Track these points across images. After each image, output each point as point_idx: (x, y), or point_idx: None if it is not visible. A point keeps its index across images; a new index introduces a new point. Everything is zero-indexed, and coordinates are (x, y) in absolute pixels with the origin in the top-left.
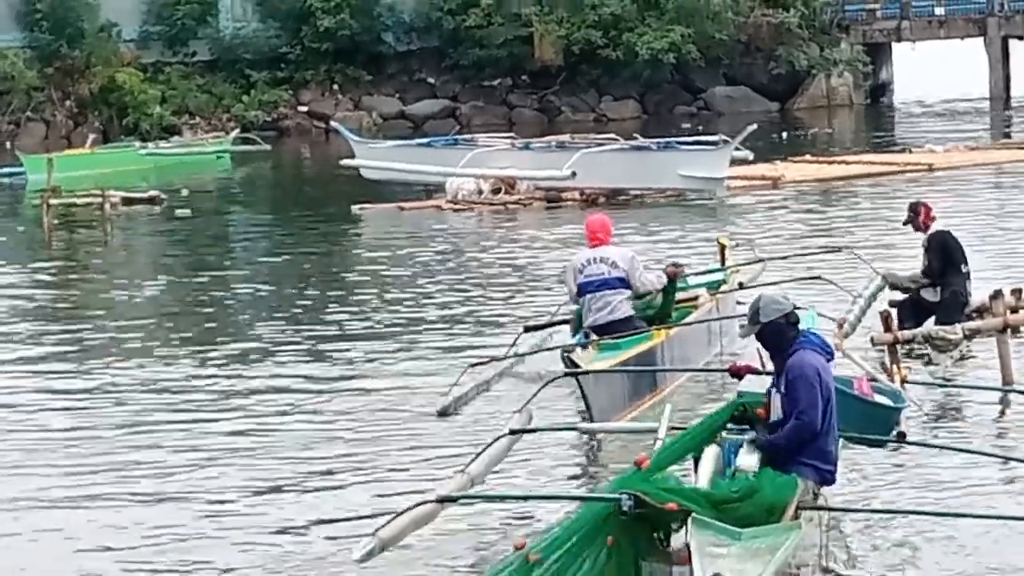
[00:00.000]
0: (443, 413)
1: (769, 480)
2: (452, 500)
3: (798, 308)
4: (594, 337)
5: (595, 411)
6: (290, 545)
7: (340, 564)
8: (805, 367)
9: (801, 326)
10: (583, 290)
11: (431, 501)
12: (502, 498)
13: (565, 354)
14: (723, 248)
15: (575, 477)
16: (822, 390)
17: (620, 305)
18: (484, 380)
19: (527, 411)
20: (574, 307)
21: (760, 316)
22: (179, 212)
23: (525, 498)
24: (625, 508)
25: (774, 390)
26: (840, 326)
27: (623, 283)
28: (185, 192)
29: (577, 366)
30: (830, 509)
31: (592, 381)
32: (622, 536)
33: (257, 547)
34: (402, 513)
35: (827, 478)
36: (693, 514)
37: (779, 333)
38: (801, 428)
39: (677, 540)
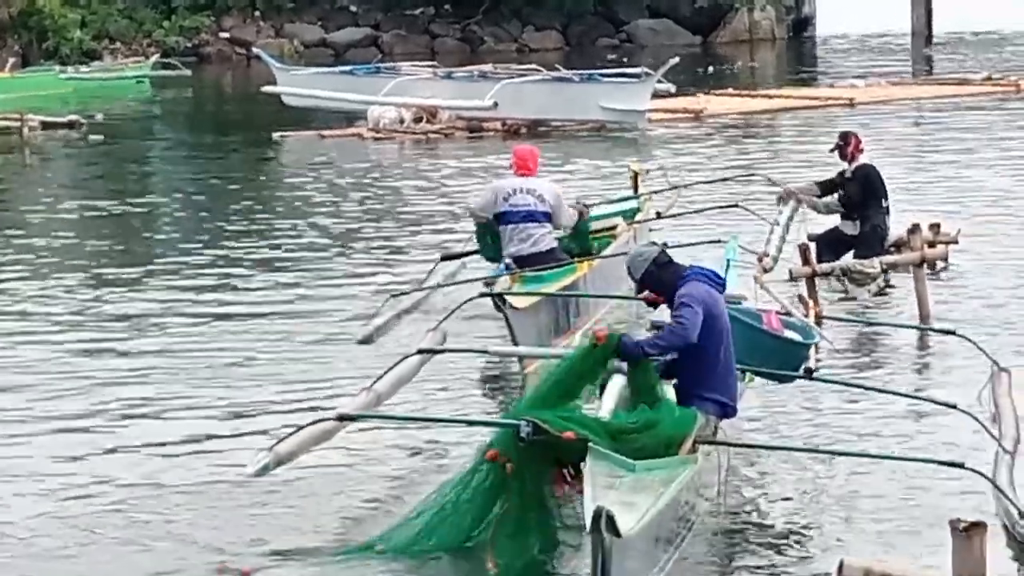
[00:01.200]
0: (364, 342)
1: (668, 413)
2: (351, 419)
3: (719, 241)
4: (515, 269)
5: (519, 338)
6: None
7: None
8: (689, 293)
9: (724, 256)
10: (505, 219)
11: (330, 419)
12: (402, 419)
13: (487, 286)
14: (636, 175)
15: (489, 400)
16: (708, 315)
17: (543, 238)
18: (403, 308)
19: (441, 331)
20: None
21: (633, 273)
22: (92, 137)
23: (425, 419)
24: (523, 435)
25: None
26: (760, 259)
27: (547, 218)
28: (100, 117)
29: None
30: (728, 444)
31: (517, 315)
32: (524, 464)
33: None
34: (301, 429)
35: (728, 412)
36: (590, 443)
37: (655, 279)
38: (673, 332)
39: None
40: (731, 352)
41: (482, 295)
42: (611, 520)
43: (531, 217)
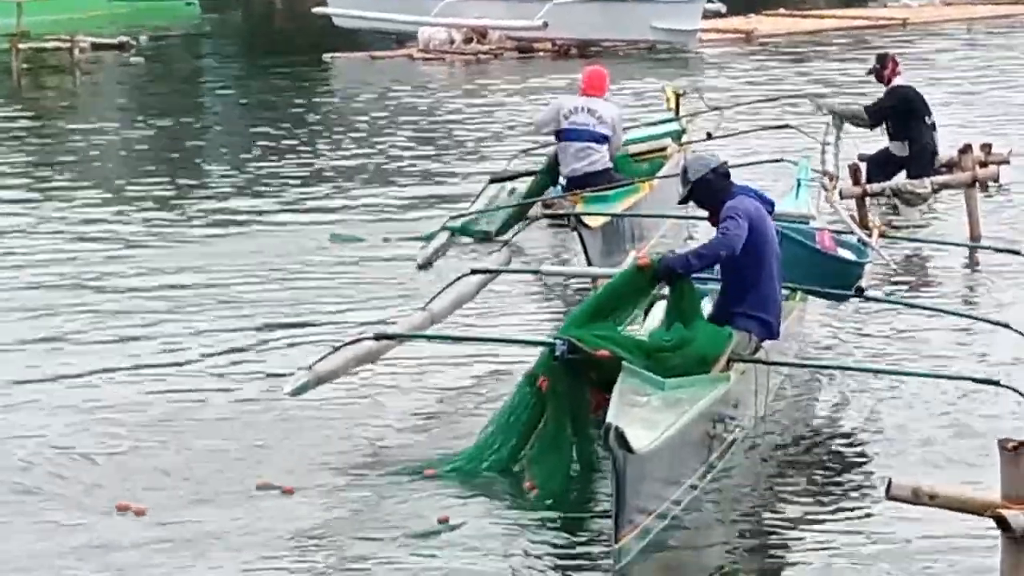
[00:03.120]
0: (423, 266)
1: (703, 331)
2: (388, 338)
3: (781, 160)
4: (573, 190)
5: (593, 259)
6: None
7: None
8: (736, 206)
9: (795, 176)
10: (565, 136)
11: (368, 337)
12: (440, 338)
13: (547, 207)
14: (678, 97)
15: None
16: (754, 229)
17: (601, 158)
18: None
19: (506, 251)
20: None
21: (689, 174)
22: (133, 59)
23: (463, 339)
24: (558, 353)
25: None
26: (831, 179)
27: (606, 140)
28: (144, 40)
29: (576, 216)
30: (760, 362)
31: (590, 234)
32: (560, 383)
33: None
34: (339, 348)
35: (772, 332)
36: (623, 362)
37: (709, 187)
38: (719, 242)
39: None
40: (776, 273)
41: (550, 216)
42: (622, 436)
43: (589, 136)
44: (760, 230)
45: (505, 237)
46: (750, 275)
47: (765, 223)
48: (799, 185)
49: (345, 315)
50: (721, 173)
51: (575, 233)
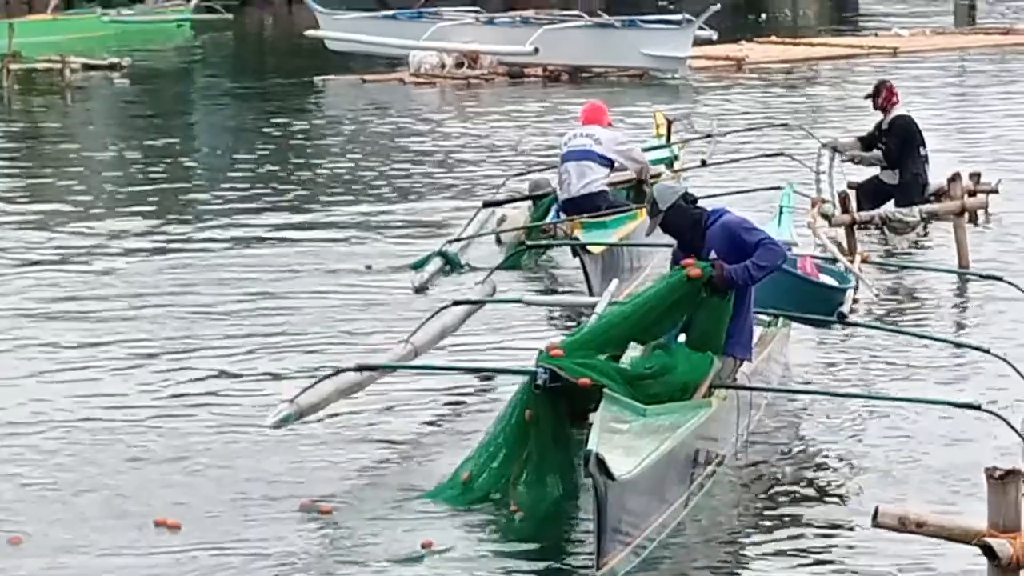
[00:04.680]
0: (419, 290)
1: (684, 358)
2: (371, 369)
3: (779, 188)
4: (563, 216)
5: (595, 286)
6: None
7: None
8: (737, 220)
9: (779, 203)
10: (564, 159)
11: (350, 368)
12: (423, 368)
13: (543, 232)
14: (669, 123)
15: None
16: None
17: (597, 179)
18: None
19: (490, 282)
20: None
21: (659, 204)
22: (117, 82)
23: (444, 368)
24: (540, 382)
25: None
26: (813, 205)
27: (605, 160)
28: (127, 61)
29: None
30: (743, 388)
31: (592, 261)
32: (542, 412)
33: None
34: (321, 380)
35: (750, 354)
36: (605, 389)
37: (682, 214)
38: (776, 251)
39: None
40: (753, 296)
41: (529, 246)
42: (602, 463)
43: (585, 156)
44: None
45: (490, 268)
46: (738, 298)
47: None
48: (781, 212)
49: (333, 340)
50: (690, 200)
51: (576, 259)
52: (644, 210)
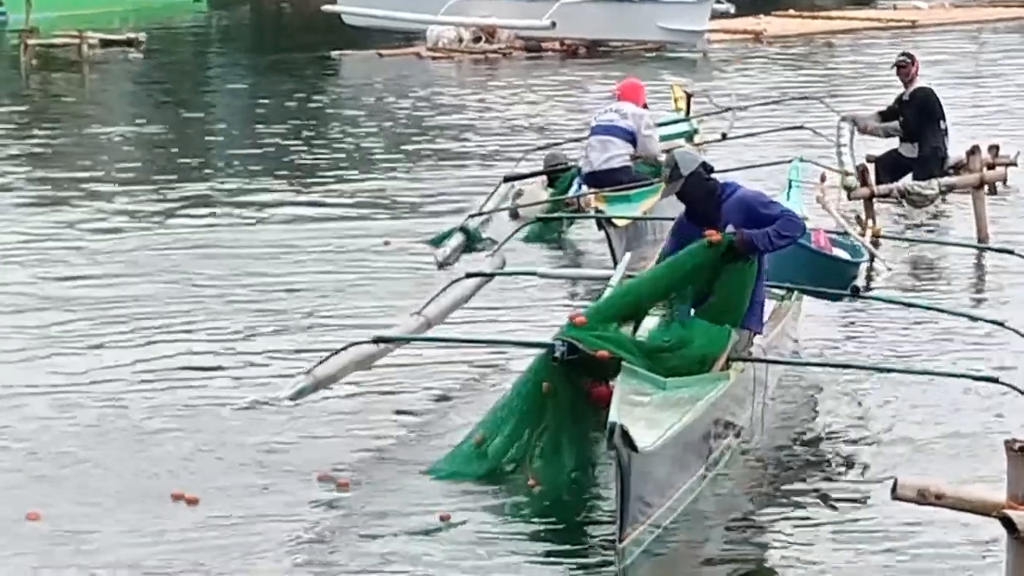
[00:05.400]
0: (442, 265)
1: (701, 331)
2: (387, 341)
3: (787, 162)
4: (587, 189)
5: (620, 260)
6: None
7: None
8: (753, 193)
9: (787, 176)
10: (593, 132)
11: (367, 341)
12: (438, 340)
13: (567, 205)
14: (688, 97)
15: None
16: None
17: (620, 155)
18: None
19: (500, 255)
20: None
21: (681, 169)
22: (132, 56)
23: (461, 341)
24: (557, 354)
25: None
26: (823, 179)
27: (628, 135)
28: (144, 36)
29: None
30: (760, 360)
31: (617, 233)
32: (560, 384)
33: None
34: (337, 352)
35: (761, 328)
36: (623, 362)
37: (700, 183)
38: (796, 222)
39: None
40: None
41: (540, 219)
42: (626, 435)
43: (610, 131)
44: None
45: (504, 239)
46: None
47: None
48: (790, 186)
49: (356, 313)
50: (708, 168)
51: (602, 232)
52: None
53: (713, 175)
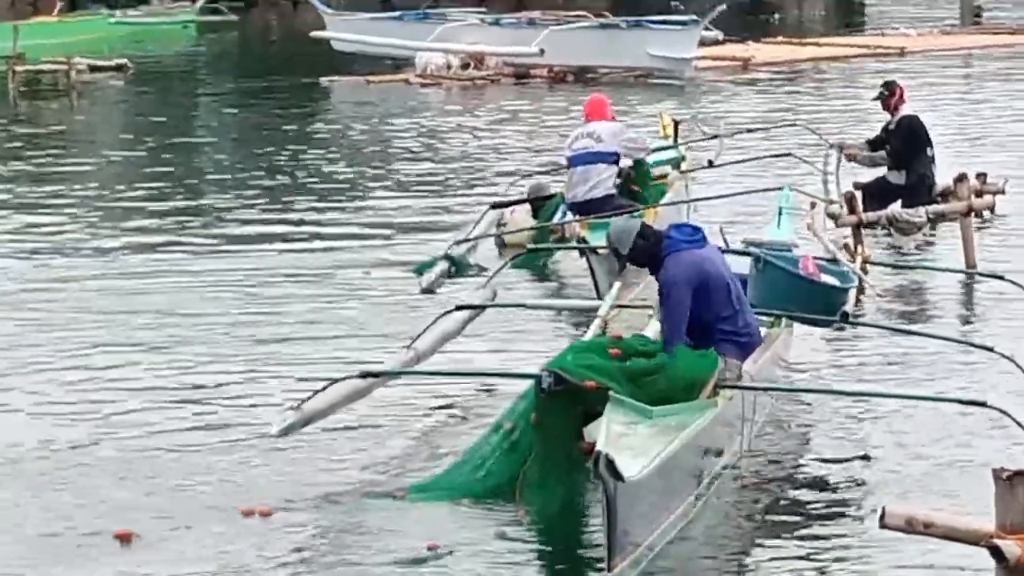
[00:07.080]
0: (426, 291)
1: (684, 354)
2: (375, 376)
3: (776, 189)
4: (571, 215)
5: (603, 288)
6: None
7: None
8: (670, 277)
9: (776, 204)
10: (571, 163)
11: (355, 376)
12: (426, 373)
13: (552, 233)
14: (676, 124)
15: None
16: (700, 282)
17: (603, 182)
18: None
19: (491, 287)
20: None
21: (620, 249)
22: (112, 82)
23: (450, 373)
24: (544, 386)
25: None
26: (812, 206)
27: (610, 157)
28: (132, 63)
29: (586, 242)
30: (748, 388)
31: (597, 259)
32: (546, 416)
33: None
34: (326, 387)
35: (749, 348)
36: (611, 392)
37: (644, 252)
38: (668, 328)
39: None
40: (741, 294)
41: (530, 251)
42: (611, 464)
43: (590, 159)
44: (706, 275)
45: (494, 271)
46: (715, 315)
47: (708, 263)
48: (780, 213)
49: (340, 342)
50: (647, 234)
51: (583, 259)
52: (652, 210)
53: (649, 233)
